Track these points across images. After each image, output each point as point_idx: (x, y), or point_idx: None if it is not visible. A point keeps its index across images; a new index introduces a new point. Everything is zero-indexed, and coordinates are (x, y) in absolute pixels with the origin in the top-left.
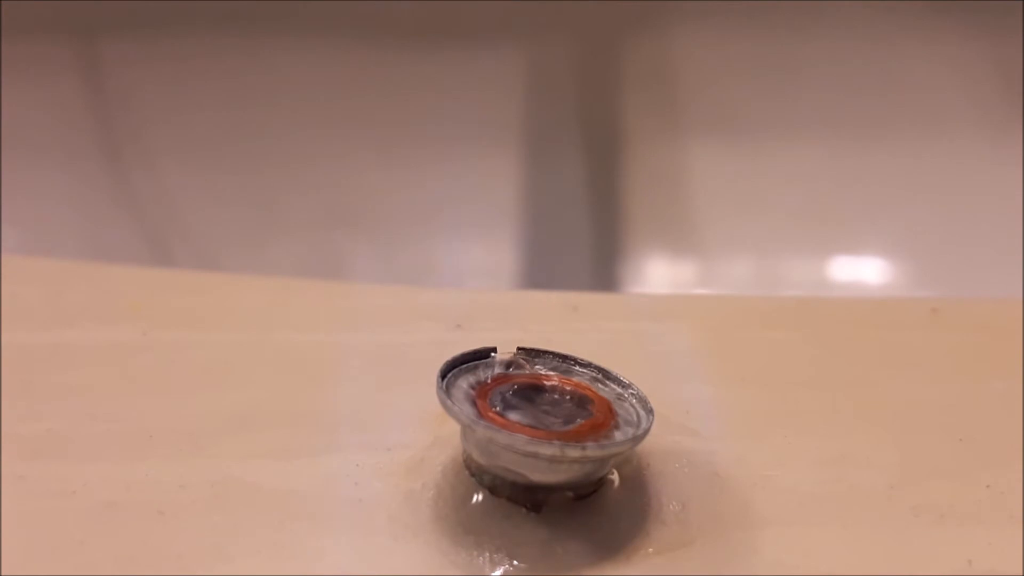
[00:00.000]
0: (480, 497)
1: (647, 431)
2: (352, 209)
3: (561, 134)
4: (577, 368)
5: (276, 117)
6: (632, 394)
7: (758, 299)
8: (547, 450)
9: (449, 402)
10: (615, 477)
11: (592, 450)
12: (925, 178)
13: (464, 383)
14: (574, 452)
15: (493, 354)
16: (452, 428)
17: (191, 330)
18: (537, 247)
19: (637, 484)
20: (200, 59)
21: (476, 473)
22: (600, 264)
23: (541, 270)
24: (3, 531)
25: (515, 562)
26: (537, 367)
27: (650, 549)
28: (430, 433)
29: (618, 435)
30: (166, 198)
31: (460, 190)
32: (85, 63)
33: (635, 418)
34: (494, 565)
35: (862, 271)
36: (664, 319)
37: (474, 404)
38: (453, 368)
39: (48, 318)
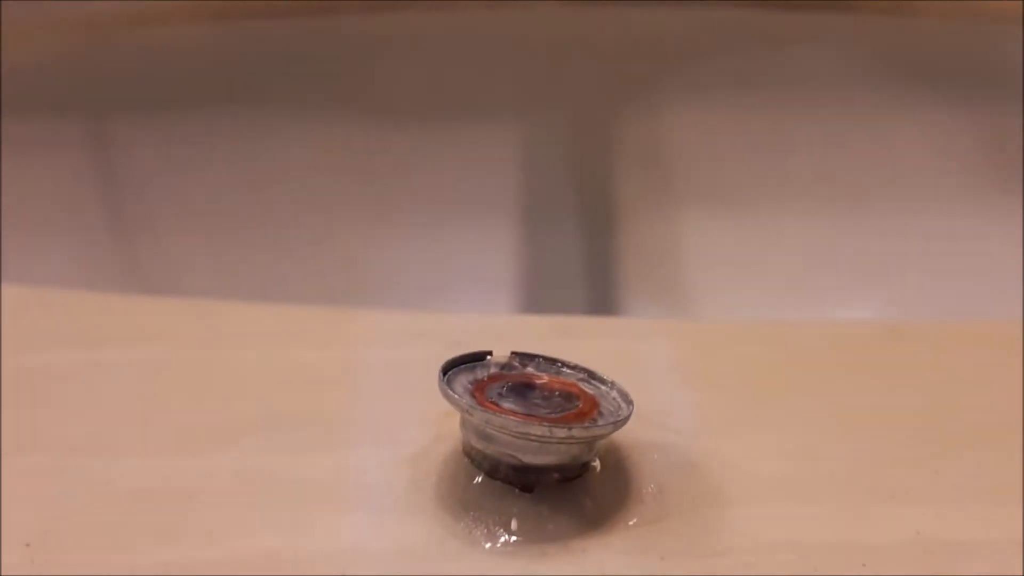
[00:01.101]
0: (479, 479)
1: (628, 417)
2: (355, 284)
3: (557, 208)
4: (565, 370)
5: (280, 195)
6: (614, 390)
7: (734, 323)
8: (537, 430)
9: (449, 391)
10: (598, 464)
11: (578, 430)
12: (912, 247)
13: (464, 379)
14: (561, 432)
15: (489, 356)
16: (452, 425)
17: (212, 349)
18: None
19: (618, 470)
20: (205, 139)
21: (474, 458)
22: None
23: None
24: (46, 513)
25: (510, 534)
26: (528, 368)
27: (630, 522)
28: (432, 430)
29: (601, 420)
30: (172, 276)
31: (460, 265)
32: (92, 143)
33: (616, 408)
34: (491, 536)
35: None
36: (648, 337)
37: (472, 396)
38: (452, 367)
39: (84, 339)
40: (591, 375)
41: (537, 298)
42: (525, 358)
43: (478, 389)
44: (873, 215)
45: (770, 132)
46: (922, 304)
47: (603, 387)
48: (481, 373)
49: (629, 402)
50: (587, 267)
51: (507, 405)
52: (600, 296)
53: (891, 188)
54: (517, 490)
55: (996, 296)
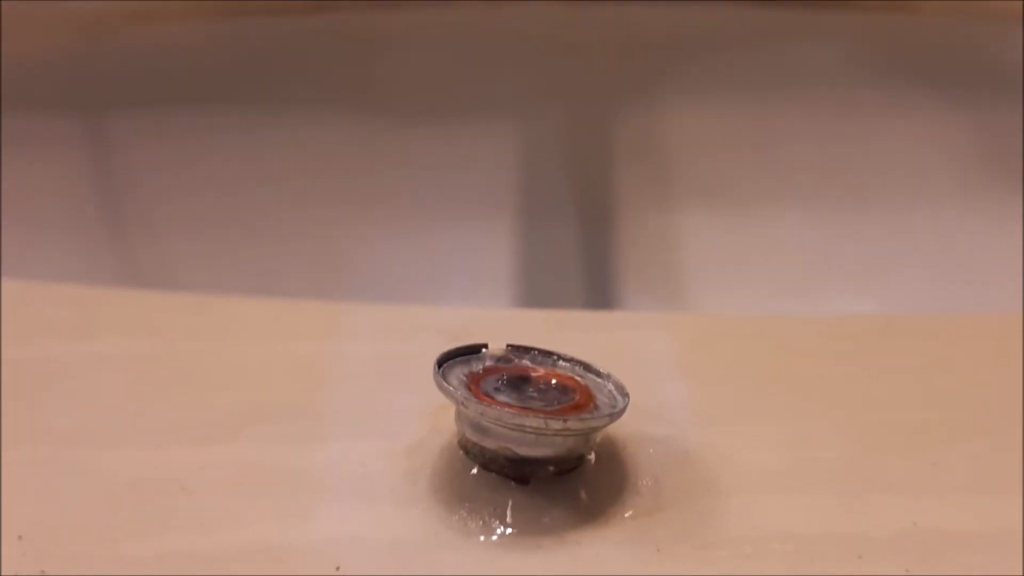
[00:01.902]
0: (474, 471)
1: (623, 410)
2: (352, 279)
3: (555, 204)
4: (561, 362)
5: (278, 191)
6: (610, 382)
7: (730, 316)
8: (532, 422)
9: (444, 384)
10: (593, 457)
11: (573, 423)
12: (910, 243)
13: (459, 372)
14: (556, 424)
15: (484, 349)
16: (448, 418)
17: (209, 342)
18: None
19: (614, 462)
20: (203, 136)
21: (469, 451)
22: None
23: None
24: (40, 505)
25: (505, 526)
26: (524, 361)
27: (626, 514)
28: (428, 424)
29: (596, 413)
30: (169, 271)
31: (458, 260)
32: (91, 139)
33: (612, 401)
34: (487, 528)
35: None
36: (644, 330)
37: (468, 388)
38: (448, 360)
39: (80, 333)
40: (587, 368)
41: (535, 294)
42: (521, 351)
43: (473, 382)
44: (871, 211)
45: (767, 129)
46: (921, 299)
47: (599, 380)
48: (477, 366)
49: (625, 394)
50: (585, 263)
51: (502, 398)
52: (598, 291)
53: (889, 184)
54: (513, 482)
55: (995, 292)
